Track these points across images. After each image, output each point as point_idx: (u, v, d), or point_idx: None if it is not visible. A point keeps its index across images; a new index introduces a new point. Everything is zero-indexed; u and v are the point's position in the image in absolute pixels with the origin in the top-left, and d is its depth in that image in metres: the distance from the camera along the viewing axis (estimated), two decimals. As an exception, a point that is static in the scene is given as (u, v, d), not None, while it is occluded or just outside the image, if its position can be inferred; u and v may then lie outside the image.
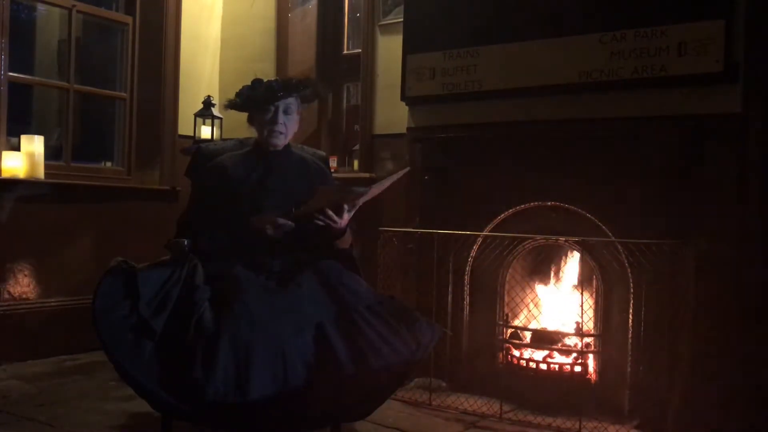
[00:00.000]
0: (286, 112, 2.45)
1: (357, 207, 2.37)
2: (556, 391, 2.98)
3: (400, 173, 2.44)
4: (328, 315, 2.15)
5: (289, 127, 2.49)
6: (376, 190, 2.34)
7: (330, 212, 2.29)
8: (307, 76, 2.56)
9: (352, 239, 2.49)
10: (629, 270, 2.87)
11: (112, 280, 2.15)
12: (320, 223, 2.31)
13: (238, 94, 2.48)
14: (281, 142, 2.49)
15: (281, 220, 2.30)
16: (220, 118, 4.15)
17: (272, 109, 2.43)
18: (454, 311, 3.33)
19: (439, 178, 3.41)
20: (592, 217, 2.98)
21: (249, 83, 2.48)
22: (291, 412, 1.99)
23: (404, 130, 3.61)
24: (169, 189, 4.33)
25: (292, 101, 2.47)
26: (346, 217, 2.34)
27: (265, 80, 2.46)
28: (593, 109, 3.03)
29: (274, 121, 2.44)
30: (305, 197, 2.33)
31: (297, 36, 4.60)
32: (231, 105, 2.53)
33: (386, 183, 2.37)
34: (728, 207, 2.75)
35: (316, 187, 2.42)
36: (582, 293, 2.98)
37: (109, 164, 4.40)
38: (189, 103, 4.37)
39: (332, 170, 3.29)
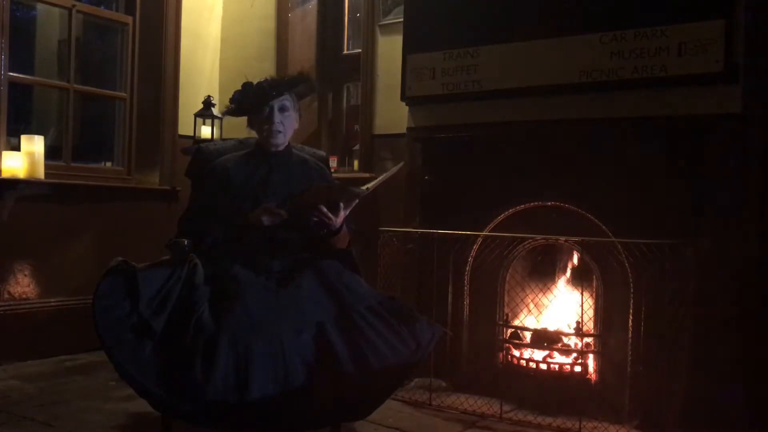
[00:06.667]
0: (281, 110, 2.45)
1: (353, 206, 2.37)
2: (556, 391, 2.98)
3: (394, 169, 2.46)
4: (328, 315, 2.15)
5: (287, 125, 2.48)
6: (371, 187, 2.36)
7: (324, 209, 2.29)
8: (301, 71, 2.56)
9: (351, 239, 2.49)
10: (629, 270, 2.86)
11: (112, 280, 2.15)
12: (315, 219, 2.31)
13: (231, 101, 2.49)
14: (281, 141, 2.49)
15: (277, 209, 2.30)
16: (220, 118, 4.15)
17: (267, 109, 2.43)
18: (454, 311, 3.33)
19: (439, 178, 3.40)
20: (592, 217, 2.98)
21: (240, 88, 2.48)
22: (291, 412, 1.99)
23: (404, 130, 3.61)
24: (169, 189, 4.33)
25: (286, 98, 2.46)
26: (342, 215, 2.34)
27: (255, 83, 2.46)
28: (593, 109, 3.03)
29: (270, 120, 2.44)
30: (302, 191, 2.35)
31: (297, 36, 4.60)
32: (228, 112, 2.54)
33: (380, 180, 2.39)
34: (728, 207, 2.74)
35: (312, 183, 2.42)
36: (582, 293, 2.98)
37: (109, 164, 4.40)
38: (189, 103, 4.37)
39: (332, 170, 3.30)
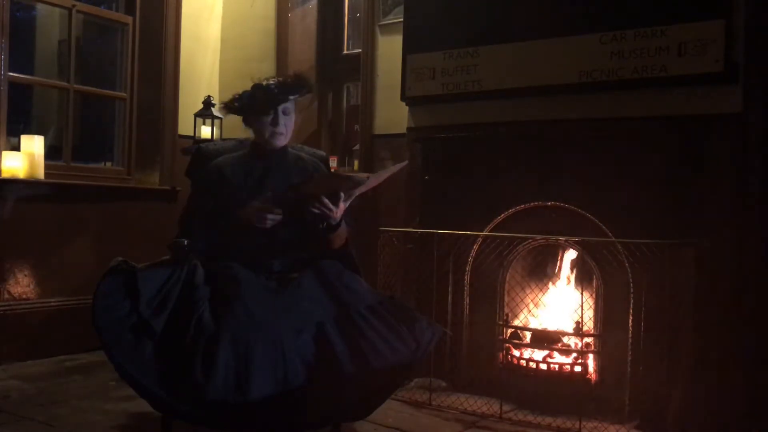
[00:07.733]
0: (285, 113, 2.46)
1: (353, 197, 2.36)
2: (556, 391, 2.98)
3: (399, 166, 2.44)
4: (328, 315, 2.15)
5: (288, 127, 2.49)
6: (373, 181, 2.34)
7: (325, 200, 2.29)
8: (300, 75, 2.55)
9: (348, 234, 2.49)
10: (629, 270, 2.86)
11: (112, 279, 2.15)
12: (315, 210, 2.30)
13: (237, 100, 2.48)
14: (282, 142, 2.50)
15: (270, 207, 2.29)
16: (220, 118, 4.15)
17: (272, 112, 2.44)
18: (454, 311, 3.33)
19: (439, 178, 3.41)
20: (592, 217, 2.98)
21: (248, 89, 2.46)
22: (291, 412, 1.99)
23: (404, 130, 3.61)
24: (169, 189, 4.33)
25: (290, 102, 2.47)
26: (342, 206, 2.34)
27: (264, 83, 2.45)
28: (593, 110, 3.03)
29: (275, 123, 2.44)
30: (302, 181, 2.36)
31: (297, 36, 4.60)
32: (230, 109, 2.52)
33: (384, 175, 2.37)
34: (728, 207, 2.74)
35: (313, 174, 2.42)
36: (582, 293, 2.98)
37: (109, 164, 4.40)
38: (189, 103, 4.37)
39: (332, 170, 3.30)
